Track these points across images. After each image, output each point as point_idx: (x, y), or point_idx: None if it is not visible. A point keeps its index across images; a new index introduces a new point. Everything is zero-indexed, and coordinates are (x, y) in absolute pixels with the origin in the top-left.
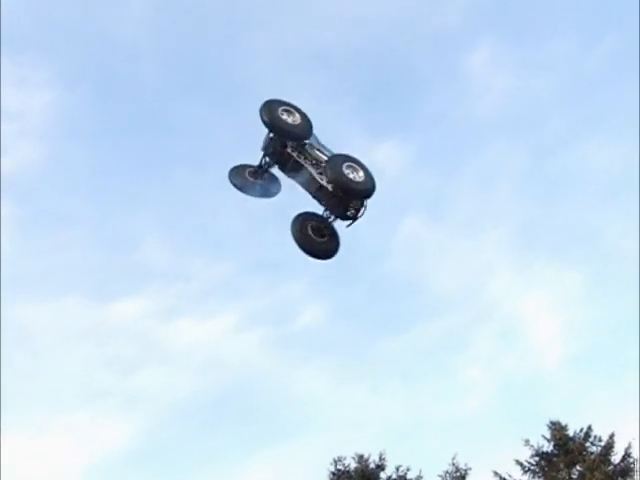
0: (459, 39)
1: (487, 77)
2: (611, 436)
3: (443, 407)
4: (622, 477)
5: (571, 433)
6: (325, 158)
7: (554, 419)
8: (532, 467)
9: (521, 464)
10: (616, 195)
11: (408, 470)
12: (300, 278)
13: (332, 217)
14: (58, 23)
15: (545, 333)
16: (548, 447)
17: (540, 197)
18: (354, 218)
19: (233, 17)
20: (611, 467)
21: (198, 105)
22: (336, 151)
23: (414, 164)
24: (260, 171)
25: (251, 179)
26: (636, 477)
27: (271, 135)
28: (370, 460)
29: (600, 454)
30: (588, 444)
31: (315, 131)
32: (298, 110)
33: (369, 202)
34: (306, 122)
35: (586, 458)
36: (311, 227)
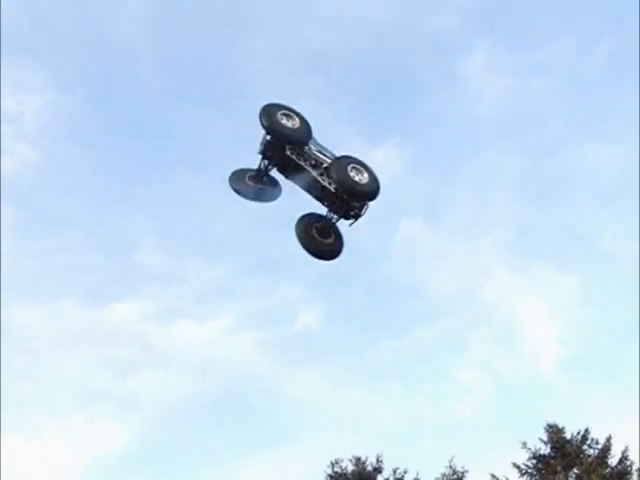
0: (457, 41)
1: (485, 79)
2: (608, 439)
3: (440, 410)
4: None
5: (568, 436)
6: (326, 160)
7: (551, 422)
8: (529, 470)
9: (518, 467)
10: (613, 198)
11: (405, 473)
12: (298, 280)
13: (336, 218)
14: (56, 25)
15: (542, 336)
16: (545, 450)
17: (537, 200)
18: (356, 217)
19: (231, 19)
20: (608, 470)
21: (196, 107)
22: (336, 152)
23: (412, 166)
24: (260, 175)
25: (251, 184)
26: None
27: (269, 138)
28: (367, 462)
29: (597, 457)
30: (585, 447)
31: (314, 133)
32: (297, 114)
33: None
34: (305, 126)
35: (583, 461)
36: (315, 228)
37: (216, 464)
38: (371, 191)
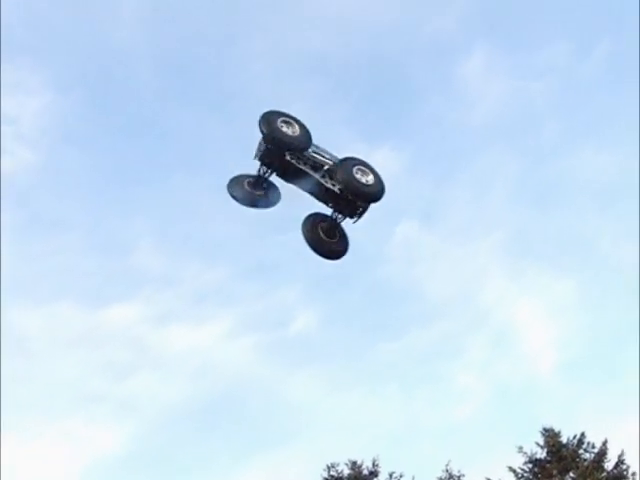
0: (456, 44)
1: (482, 83)
2: (604, 443)
3: (437, 413)
4: None
5: (564, 440)
6: (327, 162)
7: (547, 426)
8: (525, 474)
9: (514, 471)
10: (611, 201)
11: (401, 477)
12: (295, 283)
13: (341, 217)
14: (54, 26)
15: (538, 340)
16: (541, 454)
17: (534, 204)
18: (360, 215)
19: (230, 21)
20: (604, 474)
21: (195, 108)
22: (336, 154)
23: (409, 170)
24: (259, 181)
25: (250, 190)
26: None
27: (269, 146)
28: (363, 466)
29: (593, 461)
30: (581, 451)
31: (313, 136)
32: (297, 121)
33: None
34: (305, 133)
35: (579, 465)
36: (321, 228)
37: (213, 467)
38: (376, 192)
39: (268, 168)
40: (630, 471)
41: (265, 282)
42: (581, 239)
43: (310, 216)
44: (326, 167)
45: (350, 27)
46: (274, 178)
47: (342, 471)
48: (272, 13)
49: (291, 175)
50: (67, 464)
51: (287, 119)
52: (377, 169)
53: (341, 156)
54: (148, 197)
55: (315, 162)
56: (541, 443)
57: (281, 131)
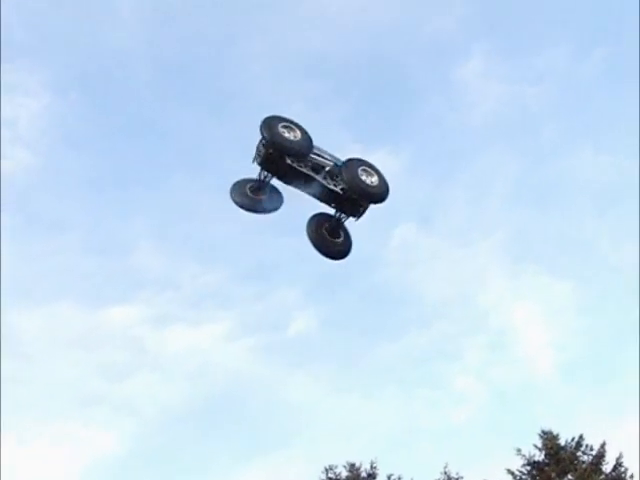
0: (454, 47)
1: (481, 84)
2: (602, 445)
3: (435, 415)
4: None
5: (562, 442)
6: (328, 163)
7: (546, 428)
8: (523, 476)
9: (512, 473)
10: (609, 204)
11: (399, 479)
12: (293, 285)
13: (344, 217)
14: (52, 28)
15: (537, 341)
16: (540, 456)
17: (533, 205)
18: (362, 213)
19: (229, 22)
20: (603, 476)
21: (194, 109)
22: (337, 155)
23: (407, 172)
24: (261, 185)
25: (253, 196)
26: None
27: (270, 151)
28: (362, 469)
29: (591, 463)
30: (579, 453)
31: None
32: (298, 126)
33: None
34: (306, 137)
35: (577, 467)
36: (326, 228)
37: (211, 469)
38: (381, 193)
39: (269, 172)
40: (628, 473)
41: (264, 283)
42: (580, 240)
43: (314, 217)
44: (327, 168)
45: (349, 28)
46: (275, 181)
47: (340, 473)
48: (271, 14)
49: (292, 178)
50: (67, 464)
51: (288, 124)
52: (381, 170)
53: (341, 157)
54: (147, 198)
55: (316, 164)
56: (539, 445)
57: (283, 136)
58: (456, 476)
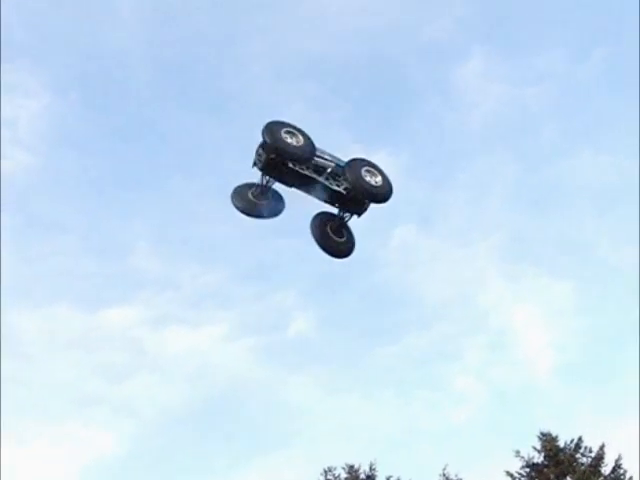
0: (453, 49)
1: (480, 86)
2: (601, 447)
3: (434, 417)
4: None
5: (562, 444)
6: (330, 164)
7: (545, 430)
8: (522, 478)
9: (512, 475)
10: (609, 205)
11: None
12: (292, 286)
13: (348, 215)
14: (51, 28)
15: (536, 343)
16: (539, 458)
17: (532, 207)
18: (364, 211)
19: (227, 24)
20: (602, 478)
21: (192, 111)
22: (338, 155)
23: (406, 174)
24: (262, 190)
25: (255, 201)
26: None
27: (273, 156)
28: (360, 470)
29: (590, 465)
30: (578, 455)
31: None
32: (300, 131)
33: None
34: (309, 143)
35: (576, 469)
36: (330, 227)
37: (210, 470)
38: (385, 193)
39: (271, 176)
40: (627, 475)
41: (264, 284)
42: (579, 242)
43: (317, 216)
44: (329, 169)
45: (349, 28)
46: (276, 184)
47: (339, 475)
48: (271, 14)
49: (294, 181)
50: (66, 465)
51: (290, 129)
52: (385, 171)
53: (342, 157)
54: (146, 199)
55: (318, 166)
56: (538, 447)
57: (285, 142)
58: (455, 478)
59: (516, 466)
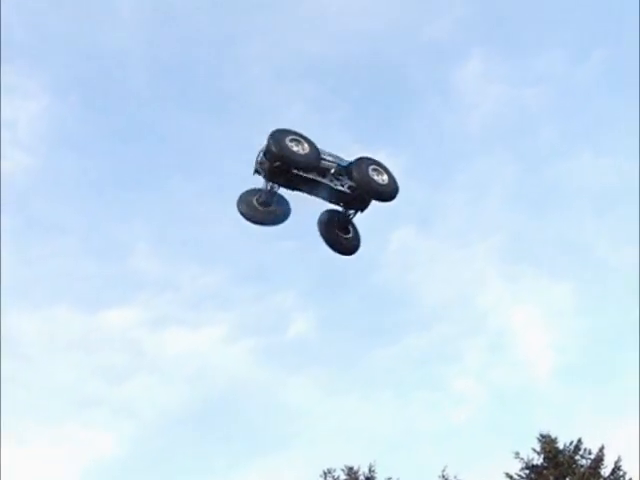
0: (452, 50)
1: (480, 87)
2: (601, 449)
3: (433, 419)
4: None
5: (561, 446)
6: (332, 165)
7: (544, 432)
8: None
9: (511, 477)
10: (608, 206)
11: None
12: (292, 288)
13: (353, 213)
14: (50, 29)
15: (536, 344)
16: (538, 460)
17: (531, 208)
18: (367, 207)
19: (227, 25)
20: None
21: (192, 112)
22: (341, 155)
23: (405, 175)
24: (268, 195)
25: (261, 208)
26: None
27: (278, 164)
28: (360, 472)
29: (590, 467)
30: (578, 457)
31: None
32: (305, 139)
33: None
34: (314, 150)
35: (576, 471)
36: (337, 225)
37: (210, 471)
38: (391, 191)
39: (275, 183)
40: (627, 477)
41: (263, 285)
42: (579, 242)
43: (324, 214)
44: (332, 170)
45: (349, 29)
46: (280, 189)
47: (339, 476)
48: (271, 14)
49: (299, 185)
50: (66, 465)
51: (296, 137)
52: (390, 169)
53: (343, 157)
54: (146, 200)
55: (322, 168)
56: (538, 449)
57: (291, 150)
58: (454, 479)
59: (515, 468)
